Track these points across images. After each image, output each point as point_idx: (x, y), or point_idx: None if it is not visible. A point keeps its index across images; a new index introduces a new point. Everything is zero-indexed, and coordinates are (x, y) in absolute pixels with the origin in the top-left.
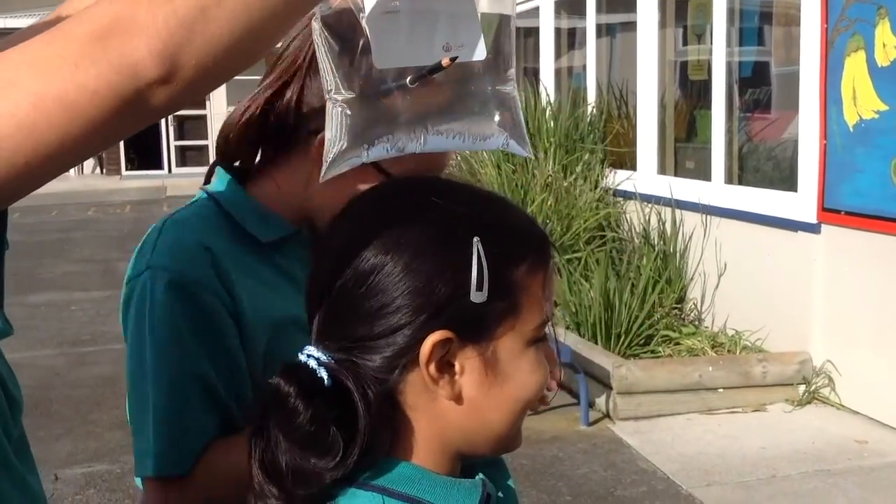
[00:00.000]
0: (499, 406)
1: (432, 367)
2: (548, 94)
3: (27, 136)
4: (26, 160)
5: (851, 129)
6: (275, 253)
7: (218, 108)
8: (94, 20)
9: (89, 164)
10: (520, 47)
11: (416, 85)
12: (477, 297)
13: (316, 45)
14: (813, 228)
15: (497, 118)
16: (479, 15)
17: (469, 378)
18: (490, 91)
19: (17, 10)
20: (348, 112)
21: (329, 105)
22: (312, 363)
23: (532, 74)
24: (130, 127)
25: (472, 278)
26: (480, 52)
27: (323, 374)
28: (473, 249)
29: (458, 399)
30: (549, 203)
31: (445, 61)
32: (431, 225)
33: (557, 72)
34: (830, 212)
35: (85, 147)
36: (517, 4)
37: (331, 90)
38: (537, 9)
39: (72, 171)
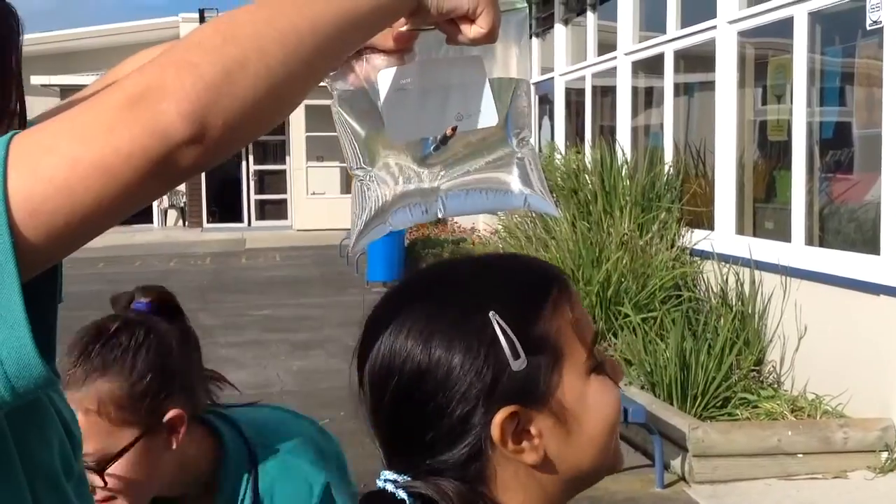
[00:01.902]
0: (586, 445)
1: (510, 444)
2: (624, 153)
3: (66, 199)
4: (66, 221)
5: None
6: None
7: (297, 164)
8: (127, 89)
9: (172, 217)
10: (596, 105)
11: (437, 153)
12: (517, 365)
13: (335, 122)
14: (895, 292)
15: (516, 178)
16: (488, 83)
17: (549, 437)
18: (507, 152)
19: (82, 71)
20: (369, 185)
21: (354, 180)
22: (390, 487)
23: (608, 133)
24: (162, 187)
25: (505, 350)
26: (492, 119)
27: (403, 495)
28: (493, 324)
29: (545, 460)
30: (624, 261)
31: (449, 130)
32: (448, 316)
33: (634, 130)
34: None
35: (120, 207)
36: (594, 65)
37: (352, 166)
38: (615, 68)
39: (155, 223)
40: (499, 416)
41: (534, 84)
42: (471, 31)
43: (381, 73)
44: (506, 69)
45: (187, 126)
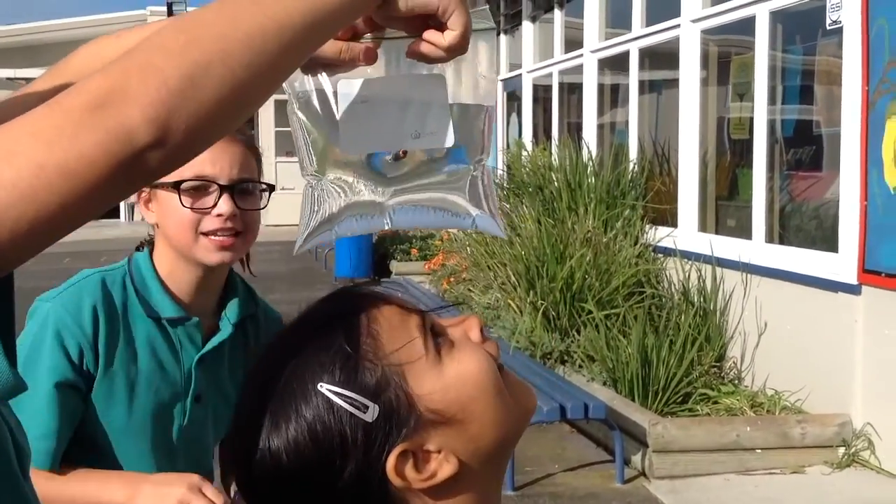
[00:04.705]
0: (485, 418)
1: (418, 476)
2: (589, 150)
3: (29, 205)
4: (29, 226)
5: (892, 191)
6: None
7: (266, 160)
8: (90, 92)
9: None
10: (563, 102)
11: (390, 166)
12: (371, 415)
13: (290, 122)
14: (853, 289)
15: (467, 199)
16: (449, 104)
17: (449, 442)
18: (461, 172)
19: (49, 64)
20: (318, 190)
21: (305, 183)
22: None
23: (575, 130)
24: (126, 190)
25: (351, 410)
26: (449, 140)
27: None
28: (325, 394)
29: (460, 465)
30: (588, 258)
31: (401, 151)
32: (291, 404)
33: (600, 127)
34: (871, 273)
35: (85, 211)
36: (561, 62)
37: (304, 169)
38: (581, 66)
39: (122, 218)
40: (389, 464)
41: (502, 80)
42: (444, 37)
43: (340, 83)
44: (471, 91)
45: (151, 131)
